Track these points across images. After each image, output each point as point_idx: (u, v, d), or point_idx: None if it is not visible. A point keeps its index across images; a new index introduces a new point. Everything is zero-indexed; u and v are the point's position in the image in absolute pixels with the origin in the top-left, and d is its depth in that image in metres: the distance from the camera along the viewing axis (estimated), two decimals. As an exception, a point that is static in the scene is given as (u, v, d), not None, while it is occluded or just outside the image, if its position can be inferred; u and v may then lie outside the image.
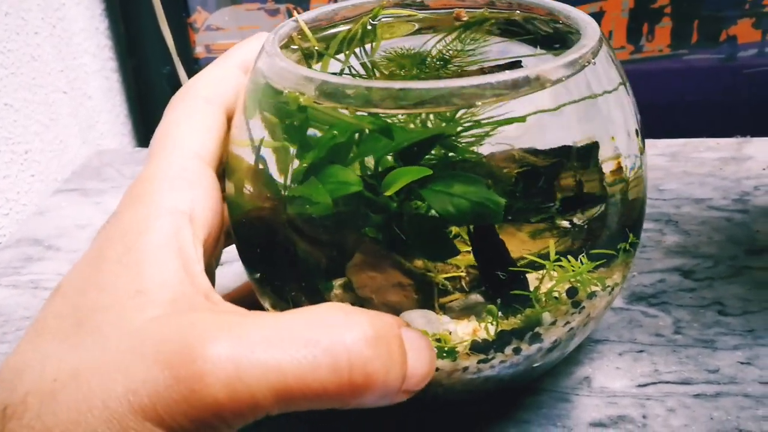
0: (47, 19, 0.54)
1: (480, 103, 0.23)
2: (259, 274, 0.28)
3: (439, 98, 0.23)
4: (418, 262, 0.25)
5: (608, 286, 0.27)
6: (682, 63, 0.58)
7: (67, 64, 0.56)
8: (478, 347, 0.25)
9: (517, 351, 0.26)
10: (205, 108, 0.27)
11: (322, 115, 0.25)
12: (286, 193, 0.26)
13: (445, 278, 0.26)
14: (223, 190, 0.28)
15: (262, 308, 0.29)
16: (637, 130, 0.28)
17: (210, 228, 0.25)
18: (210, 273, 0.27)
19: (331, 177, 0.24)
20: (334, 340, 0.20)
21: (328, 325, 0.20)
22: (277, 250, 0.27)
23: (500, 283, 0.25)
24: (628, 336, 0.34)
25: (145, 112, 0.66)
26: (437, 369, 0.25)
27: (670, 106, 0.57)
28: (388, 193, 0.24)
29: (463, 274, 0.26)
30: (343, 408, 0.21)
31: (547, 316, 0.26)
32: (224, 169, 0.28)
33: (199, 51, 0.65)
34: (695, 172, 0.47)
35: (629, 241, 0.27)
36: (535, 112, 0.24)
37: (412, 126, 0.25)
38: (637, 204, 0.28)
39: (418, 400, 0.23)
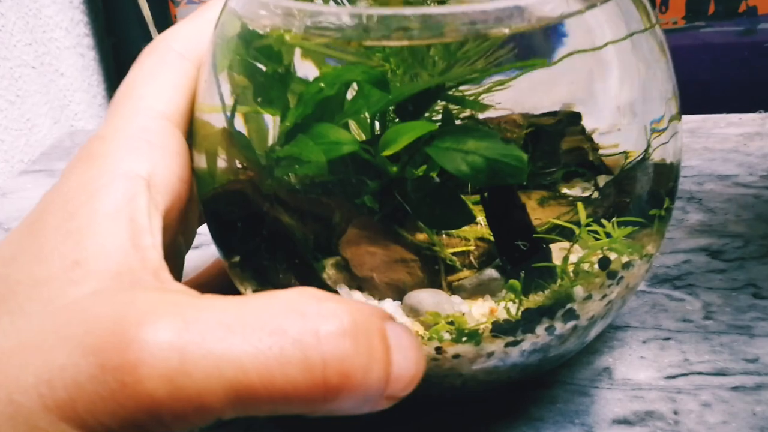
0: (12, -14, 0.50)
1: (515, 25, 0.20)
2: (237, 258, 0.25)
3: (463, 27, 0.20)
4: (420, 236, 0.23)
5: (645, 255, 0.25)
6: (699, 36, 0.55)
7: (35, 37, 0.53)
8: (501, 328, 0.22)
9: (550, 330, 0.23)
10: (177, 63, 0.25)
11: (312, 55, 0.23)
12: (270, 156, 0.24)
13: (453, 253, 0.23)
14: None
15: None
16: (673, 76, 0.25)
17: (174, 196, 0.22)
18: (175, 250, 0.25)
19: (320, 137, 0.22)
20: (305, 329, 0.17)
21: (299, 312, 0.17)
22: (258, 227, 0.24)
23: (522, 255, 0.22)
24: (652, 322, 0.31)
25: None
26: (457, 356, 0.22)
27: (684, 83, 0.53)
28: (387, 153, 0.21)
29: (472, 247, 0.23)
30: (311, 415, 0.17)
31: (579, 290, 0.23)
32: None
33: (181, 27, 0.62)
34: (717, 148, 0.45)
35: (665, 206, 0.25)
36: (577, 52, 0.22)
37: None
38: (675, 162, 0.26)
39: (430, 395, 0.20)
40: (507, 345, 0.23)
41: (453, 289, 0.23)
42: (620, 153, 0.25)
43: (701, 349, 0.29)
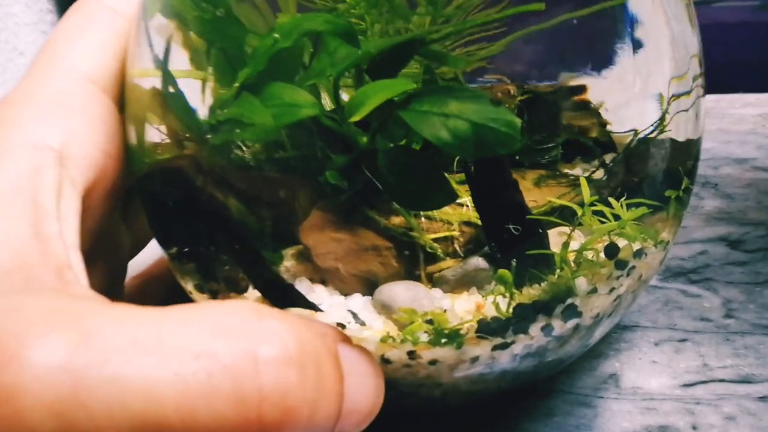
0: (-39, -46, 0.47)
1: None
2: (175, 249, 0.23)
3: None
4: (395, 219, 0.21)
5: (660, 241, 0.23)
6: (710, 13, 0.52)
7: (-10, 10, 0.50)
8: (489, 328, 0.20)
9: (547, 330, 0.21)
10: (108, 18, 0.23)
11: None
12: (208, 122, 0.21)
13: (433, 240, 0.22)
14: None
15: (179, 299, 0.23)
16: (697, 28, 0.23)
17: (98, 173, 0.20)
18: (110, 239, 0.23)
19: (272, 98, 0.20)
20: (240, 353, 0.15)
21: (233, 330, 0.15)
22: (200, 211, 0.22)
23: (514, 241, 0.21)
24: (664, 321, 0.29)
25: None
26: (434, 363, 0.21)
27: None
28: (355, 119, 0.19)
29: (457, 233, 0.21)
30: None
31: (582, 282, 0.21)
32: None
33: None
34: (733, 129, 0.44)
35: (683, 186, 0.23)
36: (573, 15, 0.19)
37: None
38: (696, 134, 0.24)
39: (403, 407, 0.20)
40: (495, 348, 0.21)
41: (433, 282, 0.21)
42: (630, 131, 0.22)
43: (722, 353, 0.27)
